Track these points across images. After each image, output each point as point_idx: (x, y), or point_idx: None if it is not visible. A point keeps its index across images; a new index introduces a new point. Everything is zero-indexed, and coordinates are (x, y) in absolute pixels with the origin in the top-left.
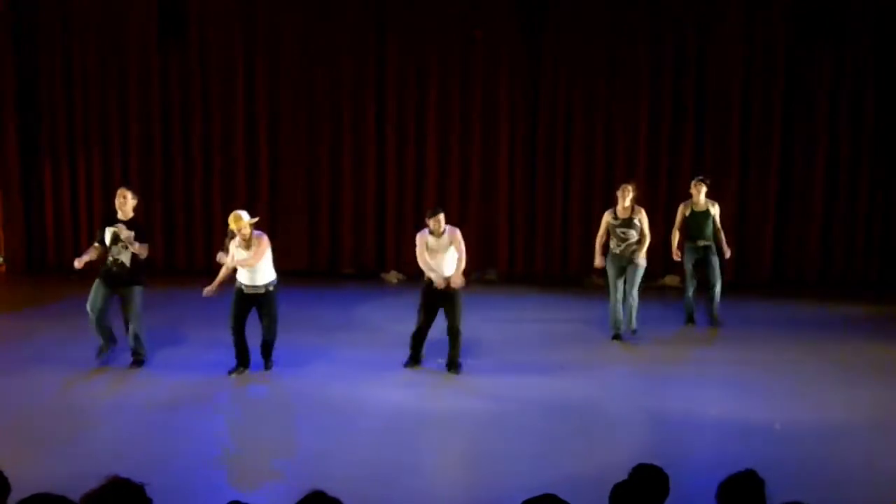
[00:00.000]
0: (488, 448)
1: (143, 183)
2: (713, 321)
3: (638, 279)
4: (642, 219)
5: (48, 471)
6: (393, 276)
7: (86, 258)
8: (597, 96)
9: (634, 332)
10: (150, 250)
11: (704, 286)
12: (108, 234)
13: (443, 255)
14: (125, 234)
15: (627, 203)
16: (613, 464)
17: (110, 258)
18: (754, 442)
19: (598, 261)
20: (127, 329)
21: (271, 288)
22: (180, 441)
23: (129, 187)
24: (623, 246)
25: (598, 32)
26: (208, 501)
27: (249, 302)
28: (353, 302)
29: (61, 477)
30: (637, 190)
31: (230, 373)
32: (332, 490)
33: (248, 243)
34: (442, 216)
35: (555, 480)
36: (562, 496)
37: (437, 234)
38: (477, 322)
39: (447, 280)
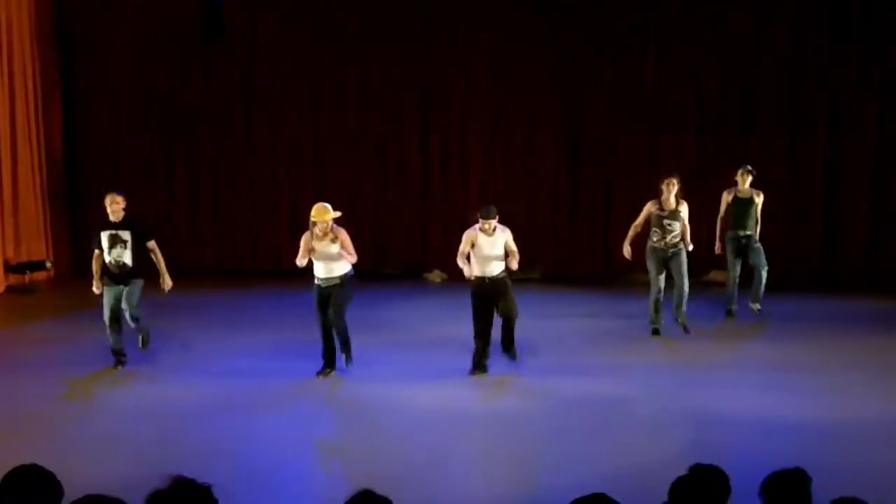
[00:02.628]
0: (530, 447)
1: (189, 186)
2: (753, 311)
3: (685, 268)
4: (685, 211)
5: (95, 472)
6: (436, 276)
7: (97, 281)
8: (641, 92)
9: (686, 328)
10: (198, 252)
11: (747, 277)
12: (105, 238)
13: (491, 253)
14: (126, 233)
15: (673, 196)
16: (654, 462)
17: (111, 261)
18: (793, 440)
19: (626, 250)
20: (128, 320)
21: (348, 277)
22: (223, 442)
23: (120, 192)
24: (667, 238)
25: (642, 30)
26: (253, 502)
27: (327, 296)
28: (396, 302)
29: (109, 478)
30: (681, 182)
31: (318, 374)
32: (377, 489)
33: (327, 236)
34: (493, 217)
35: (595, 479)
36: (614, 495)
37: (488, 233)
38: (520, 321)
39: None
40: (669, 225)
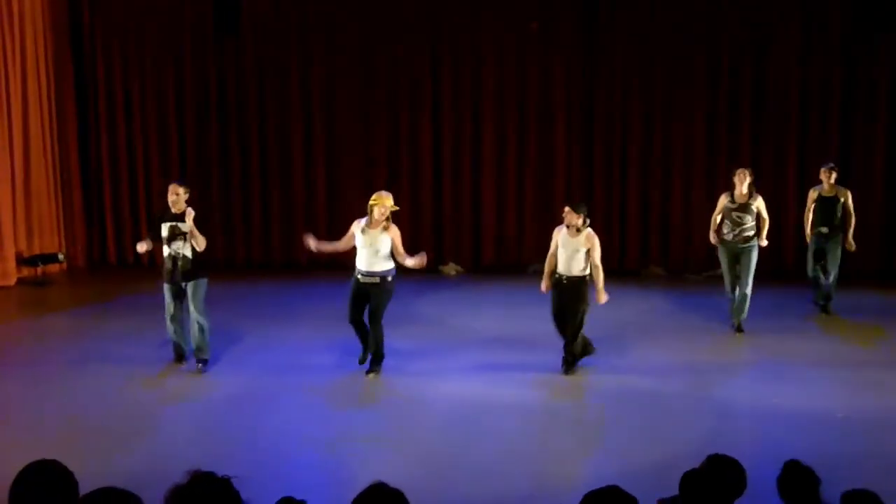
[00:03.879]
0: (553, 440)
1: (202, 180)
2: (825, 310)
3: (752, 268)
4: (759, 204)
5: (113, 466)
6: (451, 269)
7: (146, 245)
8: (654, 88)
9: (740, 327)
10: (210, 244)
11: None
12: (165, 229)
13: (574, 253)
14: (186, 225)
15: (745, 188)
16: (678, 457)
17: (171, 253)
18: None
19: (712, 237)
20: (192, 325)
21: (389, 278)
22: (243, 437)
23: (182, 182)
24: (737, 231)
25: (653, 23)
26: (268, 496)
27: (364, 293)
28: (412, 295)
29: (126, 472)
30: (753, 175)
31: (360, 361)
32: (393, 482)
33: (381, 224)
34: (576, 213)
35: (621, 473)
36: (630, 488)
37: (570, 227)
38: (540, 316)
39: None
40: (740, 218)
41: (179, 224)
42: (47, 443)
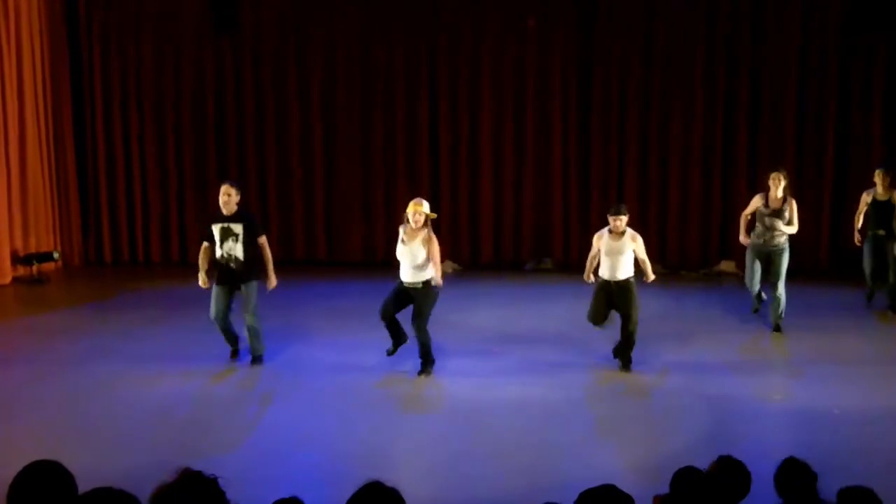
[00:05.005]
0: (552, 438)
1: (199, 179)
2: (893, 309)
3: (784, 269)
4: (793, 210)
5: (111, 466)
6: (448, 266)
7: (203, 275)
8: (651, 87)
9: (778, 326)
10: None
11: (881, 275)
12: (217, 230)
13: (619, 257)
14: (238, 226)
15: (780, 192)
16: (677, 455)
17: (223, 254)
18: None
19: (742, 237)
20: (244, 324)
21: (433, 282)
22: (243, 436)
23: (234, 183)
24: (767, 235)
25: (651, 21)
26: (267, 494)
27: (406, 296)
28: None
29: (123, 471)
30: (788, 178)
31: (388, 353)
32: (389, 480)
33: (419, 233)
34: (624, 217)
35: (621, 470)
36: (629, 486)
37: (616, 233)
38: (537, 314)
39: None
40: (771, 223)
41: (231, 225)
42: (45, 442)
